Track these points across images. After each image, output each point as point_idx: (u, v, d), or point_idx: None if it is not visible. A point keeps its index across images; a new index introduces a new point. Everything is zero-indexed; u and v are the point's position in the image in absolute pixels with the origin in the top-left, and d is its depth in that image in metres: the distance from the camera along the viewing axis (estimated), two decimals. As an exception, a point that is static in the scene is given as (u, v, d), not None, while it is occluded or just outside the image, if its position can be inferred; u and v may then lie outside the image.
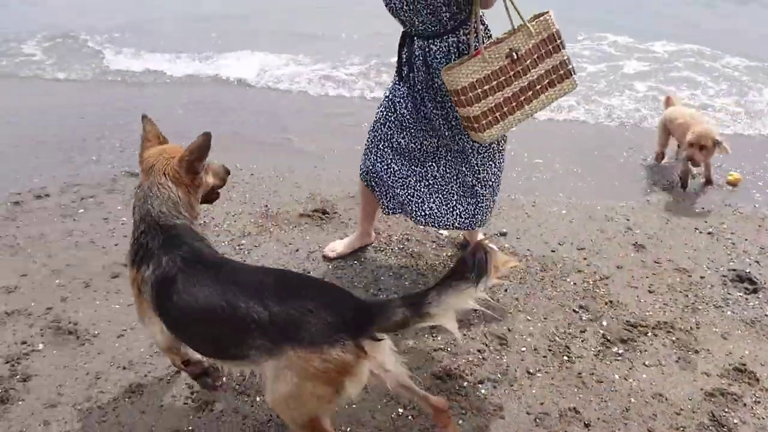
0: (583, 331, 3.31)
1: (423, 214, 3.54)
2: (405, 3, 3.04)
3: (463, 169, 3.47)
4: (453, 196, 3.54)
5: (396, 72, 3.40)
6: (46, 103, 6.95)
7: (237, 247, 4.08)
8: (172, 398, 2.86)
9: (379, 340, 2.02)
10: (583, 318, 3.42)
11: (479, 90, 3.06)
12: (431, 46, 3.17)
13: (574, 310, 3.47)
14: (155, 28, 9.74)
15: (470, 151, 3.41)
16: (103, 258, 3.97)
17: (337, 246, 4.00)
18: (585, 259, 3.98)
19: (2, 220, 4.43)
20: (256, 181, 5.02)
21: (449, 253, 4.00)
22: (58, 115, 6.55)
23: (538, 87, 3.14)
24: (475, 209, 3.57)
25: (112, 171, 5.24)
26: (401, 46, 3.33)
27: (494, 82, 3.08)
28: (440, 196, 3.53)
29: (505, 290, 3.63)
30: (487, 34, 3.22)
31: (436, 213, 3.53)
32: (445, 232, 4.21)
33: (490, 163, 3.48)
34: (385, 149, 3.50)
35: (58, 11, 10.77)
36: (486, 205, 3.59)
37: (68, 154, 5.55)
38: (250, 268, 2.39)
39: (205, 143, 2.33)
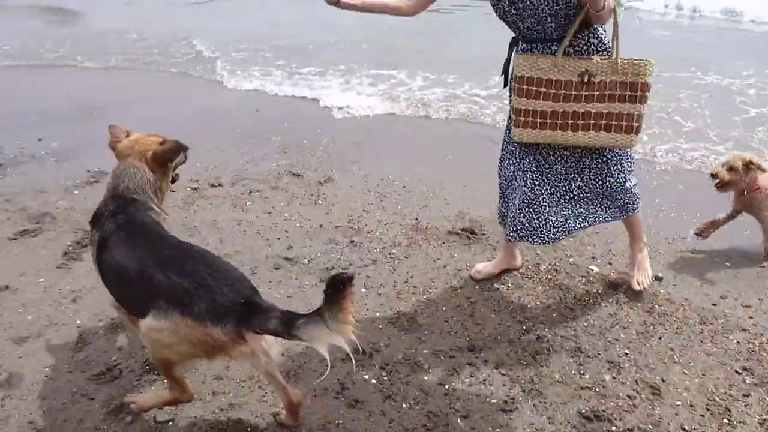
0: (747, 396, 3.09)
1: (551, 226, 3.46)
2: (512, 7, 3.05)
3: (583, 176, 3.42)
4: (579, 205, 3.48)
5: (502, 73, 3.41)
6: (219, 103, 7.63)
7: (387, 256, 4.23)
8: (323, 390, 3.02)
9: (260, 333, 2.27)
10: (747, 381, 3.19)
11: (535, 87, 3.04)
12: (533, 50, 3.16)
13: (736, 371, 3.25)
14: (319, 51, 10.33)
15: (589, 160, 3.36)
16: (266, 249, 4.29)
17: (484, 267, 4.03)
18: (751, 318, 3.70)
19: (182, 203, 4.91)
20: (408, 194, 5.17)
21: (598, 290, 3.89)
22: (232, 114, 7.17)
23: (592, 122, 3.05)
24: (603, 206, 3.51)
25: (277, 169, 5.64)
26: (510, 48, 3.34)
27: (553, 90, 3.04)
28: (567, 206, 3.48)
29: (660, 338, 3.47)
30: (597, 47, 3.13)
31: (562, 223, 3.47)
32: (595, 268, 4.10)
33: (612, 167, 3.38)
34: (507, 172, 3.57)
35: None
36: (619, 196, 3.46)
37: (240, 150, 6.05)
38: (171, 242, 2.58)
39: (177, 149, 2.92)
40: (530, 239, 3.48)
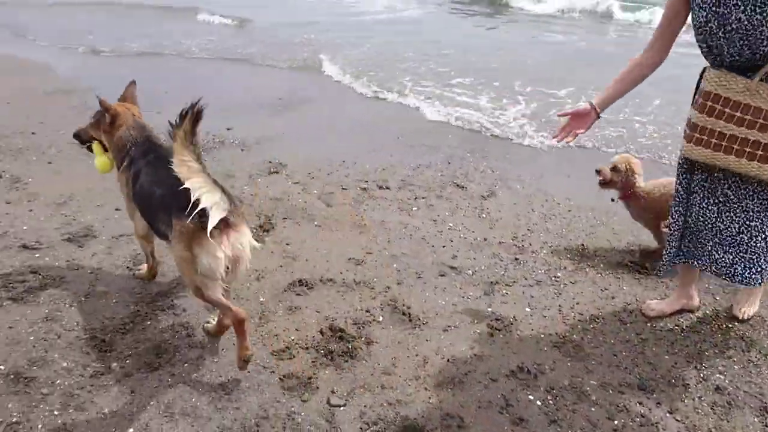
0: None
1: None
2: (722, 30, 2.80)
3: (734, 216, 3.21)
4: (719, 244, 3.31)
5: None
6: (385, 111, 7.92)
7: (552, 278, 4.16)
8: (488, 404, 3.03)
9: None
10: None
11: (719, 107, 2.85)
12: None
13: None
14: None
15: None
16: (431, 255, 4.38)
17: (657, 305, 3.84)
18: None
19: (353, 202, 5.16)
20: (573, 219, 5.05)
21: (790, 350, 3.55)
22: (396, 122, 7.42)
23: None
24: (734, 259, 3.26)
25: (441, 179, 5.75)
26: (700, 78, 3.12)
27: (738, 113, 2.82)
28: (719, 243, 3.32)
29: None
30: None
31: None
32: (787, 325, 3.75)
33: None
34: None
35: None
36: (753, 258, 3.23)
37: (405, 156, 6.24)
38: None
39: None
40: (693, 261, 3.44)
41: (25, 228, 4.44)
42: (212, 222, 2.64)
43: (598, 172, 4.23)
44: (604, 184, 4.26)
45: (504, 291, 3.98)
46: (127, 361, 3.20)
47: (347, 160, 6.04)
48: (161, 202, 3.01)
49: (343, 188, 5.41)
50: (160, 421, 2.83)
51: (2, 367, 3.10)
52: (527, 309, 3.81)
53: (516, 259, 4.38)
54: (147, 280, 3.88)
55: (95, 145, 3.72)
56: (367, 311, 3.70)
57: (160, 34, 11.99)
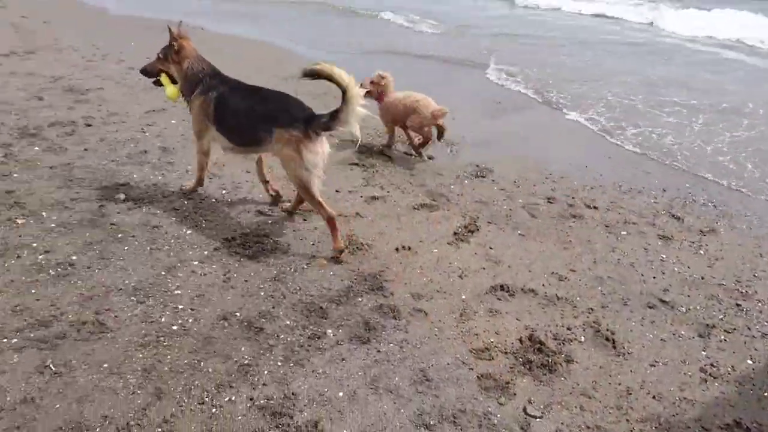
0: None
1: None
2: None
3: None
4: None
5: None
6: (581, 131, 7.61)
7: (782, 334, 3.72)
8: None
9: (318, 135, 4.06)
10: None
11: None
12: None
13: None
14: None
15: None
16: (641, 284, 4.16)
17: None
18: None
19: (558, 216, 5.06)
20: (813, 272, 4.46)
21: None
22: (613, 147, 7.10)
23: None
24: None
25: (654, 206, 5.41)
26: None
27: None
28: None
29: None
30: None
31: None
32: None
33: None
34: None
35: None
36: None
37: (616, 178, 5.96)
38: (256, 90, 4.41)
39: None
40: None
41: (261, 196, 5.00)
42: (355, 133, 3.99)
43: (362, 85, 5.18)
44: (368, 93, 5.51)
45: (722, 337, 3.66)
46: (340, 330, 3.47)
47: (554, 173, 5.94)
48: (263, 118, 4.16)
49: (549, 201, 5.33)
50: (366, 391, 3.04)
51: (238, 315, 3.54)
52: (749, 362, 3.47)
53: (738, 305, 4.00)
54: (193, 191, 4.84)
55: (163, 77, 4.61)
56: (568, 329, 3.63)
57: (364, 34, 12.68)
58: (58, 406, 2.83)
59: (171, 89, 4.62)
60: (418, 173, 5.72)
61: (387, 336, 3.45)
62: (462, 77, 9.69)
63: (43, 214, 4.46)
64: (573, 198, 5.43)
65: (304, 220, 4.68)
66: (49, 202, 4.62)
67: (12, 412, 2.79)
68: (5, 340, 3.21)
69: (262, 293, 3.74)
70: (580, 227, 4.89)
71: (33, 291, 3.60)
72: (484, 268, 4.20)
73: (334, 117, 3.89)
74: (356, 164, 5.80)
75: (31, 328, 3.30)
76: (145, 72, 4.71)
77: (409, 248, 4.39)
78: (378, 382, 3.11)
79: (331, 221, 4.12)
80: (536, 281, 4.08)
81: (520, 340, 3.48)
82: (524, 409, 2.99)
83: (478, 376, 3.19)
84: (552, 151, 6.59)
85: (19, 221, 4.35)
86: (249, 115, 4.23)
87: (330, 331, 3.46)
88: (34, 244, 4.06)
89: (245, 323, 3.46)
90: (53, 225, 4.32)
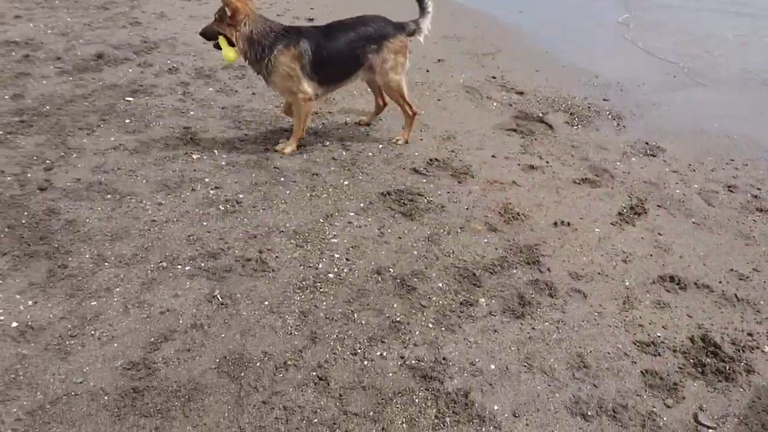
0: None
1: None
2: None
3: None
4: None
5: None
6: None
7: None
8: None
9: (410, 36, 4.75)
10: None
11: None
12: None
13: None
14: None
15: None
16: (841, 296, 3.61)
17: None
18: None
19: (740, 207, 4.53)
20: None
21: None
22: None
23: None
24: None
25: None
26: None
27: None
28: None
29: None
30: None
31: None
32: None
33: None
34: None
35: None
36: None
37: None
38: (342, 24, 4.68)
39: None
40: None
41: (416, 154, 4.94)
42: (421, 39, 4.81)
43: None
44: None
45: None
46: (493, 301, 3.35)
47: (737, 159, 5.30)
48: (369, 40, 4.60)
49: (729, 189, 4.78)
50: (518, 368, 2.92)
51: (391, 270, 3.53)
52: None
53: None
54: (293, 152, 4.73)
55: (221, 40, 4.40)
56: (749, 335, 3.24)
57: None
58: (223, 335, 2.99)
59: (230, 53, 4.40)
60: (579, 145, 5.37)
61: (542, 314, 3.28)
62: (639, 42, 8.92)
63: (215, 151, 4.71)
64: (759, 189, 4.83)
65: (459, 182, 4.55)
66: (221, 140, 4.88)
67: (184, 335, 2.99)
68: (179, 267, 3.44)
69: (415, 252, 3.70)
70: (764, 223, 4.34)
71: (204, 223, 3.82)
72: (651, 255, 3.86)
73: (418, 24, 4.76)
74: (514, 130, 5.55)
75: (202, 258, 3.50)
76: (204, 35, 4.53)
77: (569, 224, 4.14)
78: (532, 360, 2.97)
79: (413, 117, 5.00)
80: (712, 277, 3.69)
81: (692, 340, 3.16)
82: (695, 417, 2.72)
83: (642, 371, 2.95)
84: (735, 133, 5.89)
85: (194, 156, 4.62)
86: (352, 45, 4.54)
87: (483, 300, 3.35)
88: (207, 179, 4.31)
89: (398, 280, 3.44)
90: (223, 163, 4.55)
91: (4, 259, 3.42)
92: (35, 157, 4.44)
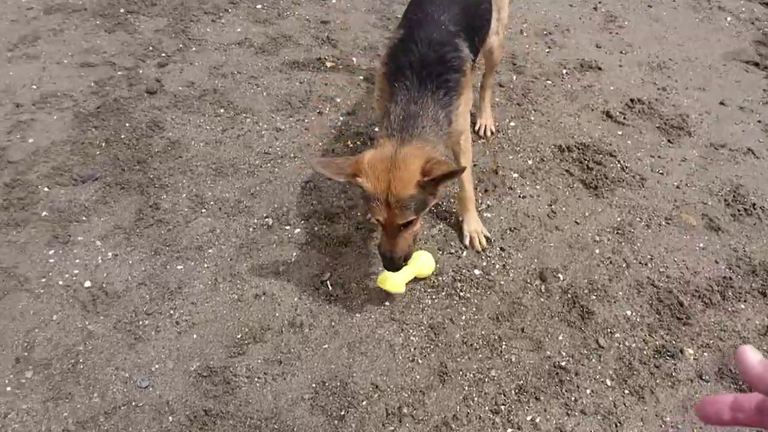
0: None
1: None
2: None
3: None
4: None
5: None
6: None
7: None
8: None
9: None
10: None
11: None
12: None
13: None
14: None
15: None
16: None
17: None
18: None
19: None
20: None
21: None
22: None
23: None
24: None
25: None
26: None
27: None
28: None
29: None
30: None
31: None
32: None
33: None
34: None
35: None
36: None
37: None
38: None
39: None
40: None
41: (612, 88, 3.68)
42: None
43: None
44: None
45: None
46: (705, 355, 2.37)
47: None
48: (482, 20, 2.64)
49: None
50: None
51: (561, 277, 2.56)
52: None
53: None
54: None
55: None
56: None
57: None
58: (326, 346, 2.28)
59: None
60: None
61: None
62: None
63: (354, 59, 3.82)
64: None
65: (669, 141, 3.31)
66: (362, 43, 3.98)
67: (278, 336, 2.31)
68: (287, 228, 2.72)
69: (597, 251, 2.67)
70: None
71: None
72: None
73: None
74: (756, 64, 4.01)
75: (317, 219, 2.76)
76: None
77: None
78: None
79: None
80: None
81: None
82: None
83: None
84: None
85: (328, 64, 3.78)
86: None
87: (690, 351, 2.32)
88: (338, 99, 3.53)
89: (568, 295, 2.48)
90: (361, 77, 3.68)
91: (94, 186, 2.86)
92: (151, 48, 3.79)
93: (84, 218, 2.74)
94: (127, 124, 3.24)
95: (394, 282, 2.31)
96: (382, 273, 2.33)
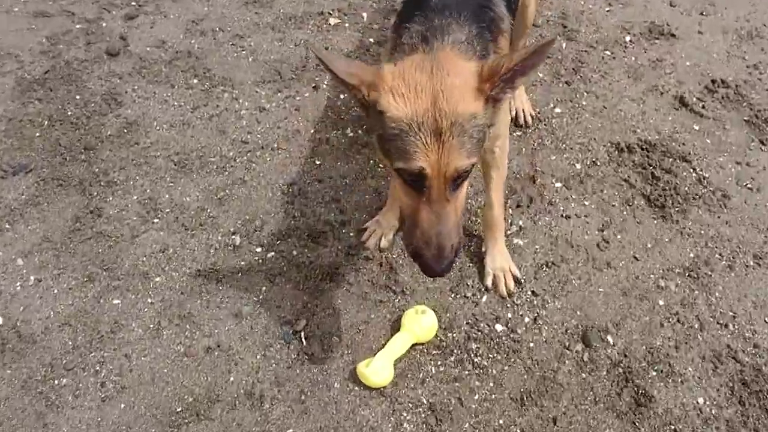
0: None
1: None
2: None
3: None
4: None
5: None
6: None
7: None
8: None
9: None
10: None
11: None
12: None
13: None
14: None
15: None
16: None
17: None
18: None
19: None
20: None
21: None
22: None
23: None
24: None
25: None
26: None
27: None
28: None
29: None
30: None
31: None
32: None
33: None
34: None
35: None
36: None
37: None
38: None
39: None
40: None
41: (688, 63, 2.89)
42: None
43: None
44: None
45: None
46: None
47: None
48: None
49: None
50: None
51: (611, 340, 1.94)
52: None
53: None
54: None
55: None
56: None
57: None
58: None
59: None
60: None
61: None
62: None
63: (363, 14, 3.07)
64: None
65: (762, 143, 2.55)
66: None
67: (229, 412, 1.75)
68: (259, 250, 2.15)
69: (662, 300, 2.03)
70: None
71: (317, 162, 2.37)
72: None
73: None
74: None
75: (298, 239, 2.17)
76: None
77: None
78: None
79: None
80: None
81: None
82: None
83: None
84: None
85: (331, 21, 3.06)
86: None
87: None
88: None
89: (620, 369, 1.85)
90: (371, 39, 2.95)
91: (26, 180, 2.28)
92: (120, -7, 3.11)
93: (7, 225, 2.18)
94: (78, 96, 2.62)
95: (377, 369, 1.71)
96: (363, 362, 1.73)
